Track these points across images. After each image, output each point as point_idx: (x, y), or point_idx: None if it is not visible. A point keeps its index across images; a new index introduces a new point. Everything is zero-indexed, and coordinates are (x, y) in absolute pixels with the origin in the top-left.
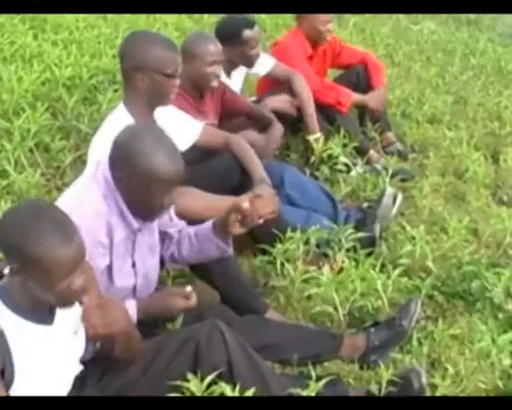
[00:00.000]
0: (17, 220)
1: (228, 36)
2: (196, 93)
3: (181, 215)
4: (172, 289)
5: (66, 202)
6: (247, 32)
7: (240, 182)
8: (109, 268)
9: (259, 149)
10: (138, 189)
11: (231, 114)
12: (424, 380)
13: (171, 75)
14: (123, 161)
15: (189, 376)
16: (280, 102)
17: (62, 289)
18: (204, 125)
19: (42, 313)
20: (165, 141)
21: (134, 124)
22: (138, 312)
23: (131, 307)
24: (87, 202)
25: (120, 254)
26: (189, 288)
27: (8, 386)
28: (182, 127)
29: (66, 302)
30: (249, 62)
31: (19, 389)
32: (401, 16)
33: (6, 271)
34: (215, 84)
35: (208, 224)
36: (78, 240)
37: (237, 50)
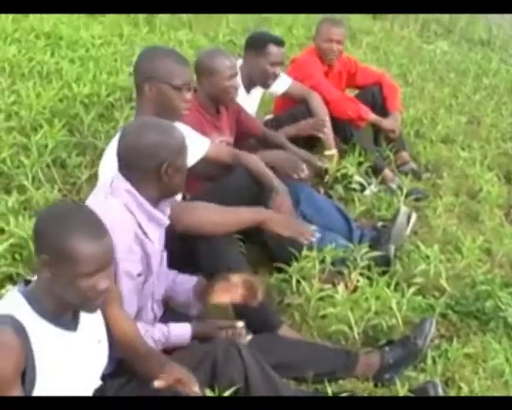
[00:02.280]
0: (54, 214)
1: (253, 44)
2: (213, 109)
3: (194, 230)
4: (220, 322)
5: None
6: (272, 46)
7: (253, 196)
8: (144, 276)
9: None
10: (171, 170)
11: (245, 136)
12: (440, 391)
13: (179, 88)
14: (144, 158)
15: (207, 392)
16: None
17: (86, 287)
18: (211, 141)
19: (66, 319)
20: (162, 121)
21: (126, 128)
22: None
23: (186, 329)
24: (112, 215)
25: (157, 262)
26: (240, 323)
27: (28, 392)
28: (190, 142)
29: (88, 304)
30: (266, 79)
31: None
32: (414, 36)
33: (34, 278)
34: (235, 96)
35: (191, 280)
36: (108, 242)
37: (258, 61)
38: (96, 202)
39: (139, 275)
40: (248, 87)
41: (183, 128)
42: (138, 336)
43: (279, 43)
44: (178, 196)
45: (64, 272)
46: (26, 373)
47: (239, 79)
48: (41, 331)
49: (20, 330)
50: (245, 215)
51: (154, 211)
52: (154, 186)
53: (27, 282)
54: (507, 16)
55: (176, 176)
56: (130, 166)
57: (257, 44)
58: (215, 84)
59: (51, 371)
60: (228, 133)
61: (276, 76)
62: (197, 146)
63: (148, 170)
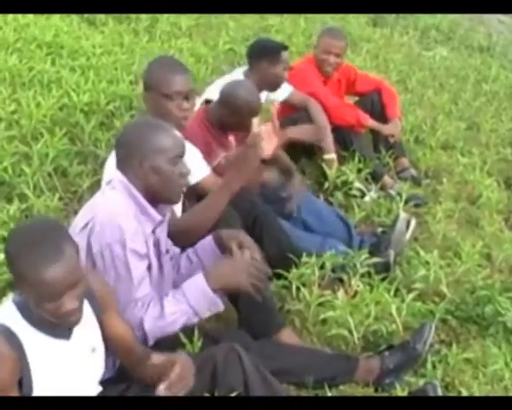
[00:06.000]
0: (16, 236)
1: (267, 52)
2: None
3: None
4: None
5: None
6: (283, 52)
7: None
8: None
9: None
10: (147, 167)
11: None
12: (440, 392)
13: (170, 96)
14: (129, 151)
15: None
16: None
17: (52, 309)
18: (211, 171)
19: (59, 328)
20: (158, 121)
21: (125, 127)
22: (209, 282)
23: (199, 280)
24: (111, 204)
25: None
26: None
27: None
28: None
29: (61, 322)
30: (279, 83)
31: None
32: (414, 43)
33: None
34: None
35: (208, 236)
36: (70, 262)
37: (273, 69)
38: (94, 199)
39: (146, 256)
40: None
41: (189, 148)
42: (134, 341)
43: (287, 47)
44: (178, 210)
45: (29, 294)
46: (23, 382)
47: None
48: (34, 341)
49: (12, 340)
50: (218, 200)
51: (147, 204)
52: (138, 182)
53: None
54: (507, 21)
55: (153, 176)
56: (120, 160)
57: (271, 53)
58: (240, 120)
59: (47, 380)
60: (234, 150)
61: (285, 79)
62: (195, 169)
63: (132, 164)
